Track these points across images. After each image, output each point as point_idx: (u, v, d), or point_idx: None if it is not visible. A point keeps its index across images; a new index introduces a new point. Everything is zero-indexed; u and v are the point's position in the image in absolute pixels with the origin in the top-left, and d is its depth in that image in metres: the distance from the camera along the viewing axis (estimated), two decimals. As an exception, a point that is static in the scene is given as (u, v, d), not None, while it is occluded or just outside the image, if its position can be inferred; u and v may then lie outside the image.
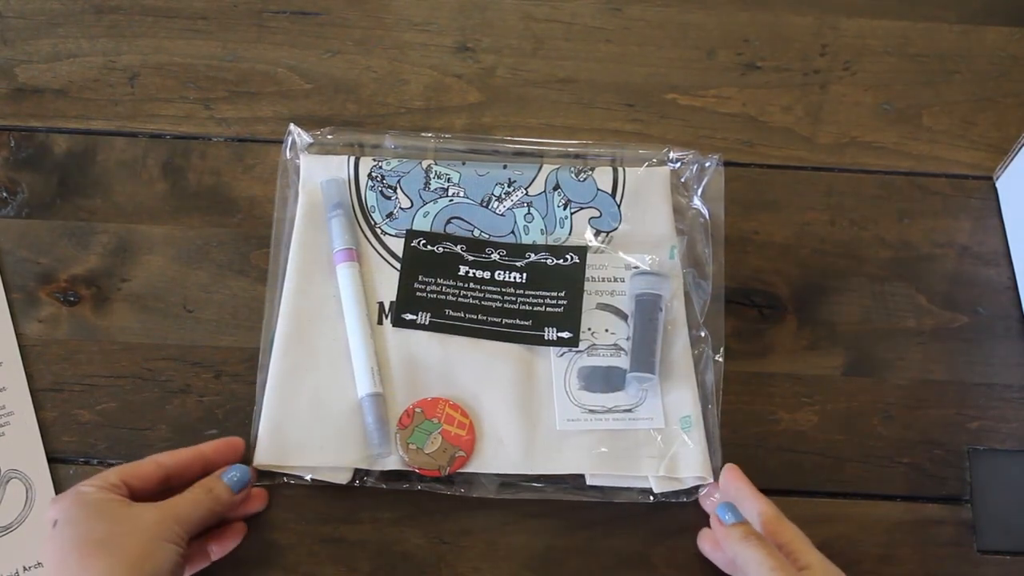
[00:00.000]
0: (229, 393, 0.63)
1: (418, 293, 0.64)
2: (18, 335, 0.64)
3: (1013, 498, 0.63)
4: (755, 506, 0.57)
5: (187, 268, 0.67)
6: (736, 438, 0.64)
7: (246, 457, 0.60)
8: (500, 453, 0.60)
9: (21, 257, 0.66)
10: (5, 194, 0.68)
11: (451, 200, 0.66)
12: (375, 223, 0.66)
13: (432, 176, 0.67)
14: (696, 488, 0.61)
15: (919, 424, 0.65)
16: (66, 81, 0.71)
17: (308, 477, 0.60)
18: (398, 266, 0.65)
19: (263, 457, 0.60)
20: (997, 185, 0.71)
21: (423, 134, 0.69)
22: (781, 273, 0.68)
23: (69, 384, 0.64)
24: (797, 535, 0.55)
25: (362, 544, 0.60)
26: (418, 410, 0.61)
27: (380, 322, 0.63)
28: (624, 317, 0.64)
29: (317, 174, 0.66)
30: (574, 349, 0.63)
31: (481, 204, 0.66)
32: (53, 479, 0.61)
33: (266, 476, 0.60)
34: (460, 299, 0.64)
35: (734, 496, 0.59)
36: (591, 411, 0.62)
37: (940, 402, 0.65)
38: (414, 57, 0.73)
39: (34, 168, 0.69)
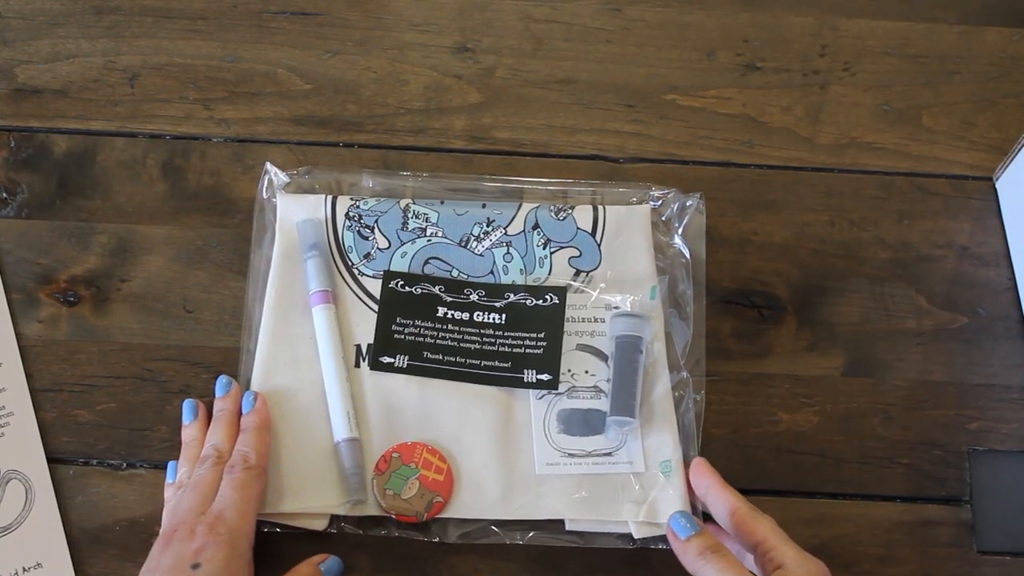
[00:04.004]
0: (229, 393, 0.63)
1: (396, 335, 0.63)
2: (18, 335, 0.64)
3: (1013, 499, 0.63)
4: (725, 502, 0.56)
5: (187, 268, 0.67)
6: (736, 439, 0.64)
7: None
8: (478, 498, 0.60)
9: (21, 257, 0.66)
10: (5, 194, 0.68)
11: (429, 240, 0.66)
12: (352, 264, 0.65)
13: (410, 216, 0.66)
14: None
15: (919, 425, 0.65)
16: (66, 81, 0.71)
17: (286, 526, 0.59)
18: (375, 307, 0.64)
19: None
20: (997, 186, 0.71)
21: (402, 172, 0.68)
22: (781, 274, 0.68)
23: (69, 384, 0.64)
24: (772, 531, 0.54)
25: (362, 544, 0.60)
26: (395, 455, 0.60)
27: (357, 365, 0.62)
28: (604, 358, 0.63)
29: (294, 214, 0.65)
30: (553, 391, 0.62)
31: (460, 244, 0.66)
32: (53, 479, 0.61)
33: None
34: (438, 341, 0.63)
35: (704, 493, 0.58)
36: (570, 455, 0.61)
37: (940, 403, 0.65)
38: (414, 57, 0.73)
39: (34, 168, 0.69)
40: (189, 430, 0.60)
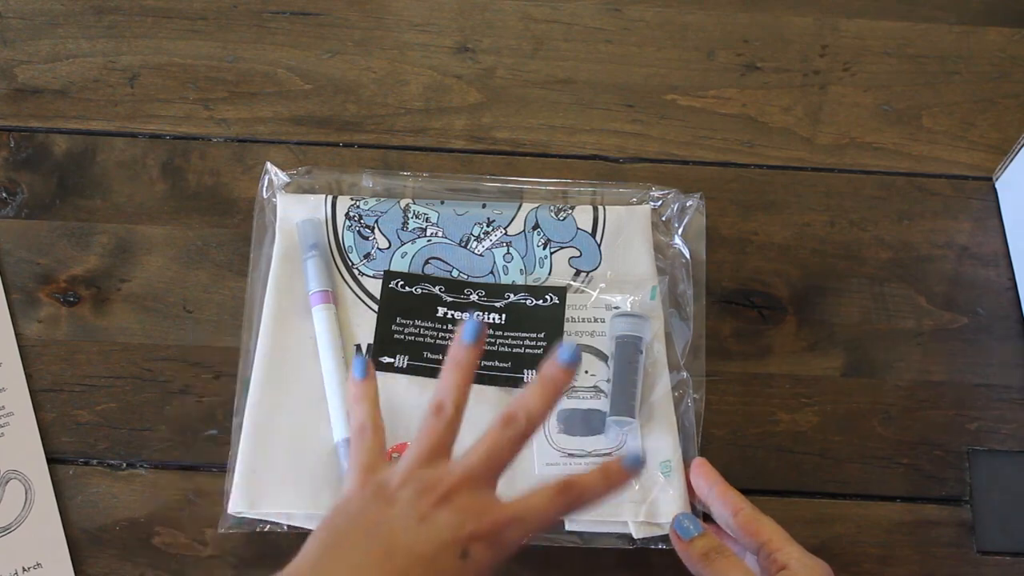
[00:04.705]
0: (229, 394, 0.63)
1: (396, 335, 0.63)
2: (18, 335, 0.64)
3: (1013, 499, 0.63)
4: (728, 503, 0.56)
5: (187, 268, 0.67)
6: (736, 439, 0.64)
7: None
8: None
9: (21, 257, 0.66)
10: (5, 194, 0.68)
11: (429, 240, 0.66)
12: (352, 264, 0.65)
13: (410, 216, 0.66)
14: None
15: (918, 425, 0.65)
16: (66, 81, 0.71)
17: (285, 525, 0.59)
18: (375, 308, 0.64)
19: (238, 504, 0.58)
20: (997, 186, 0.71)
21: (402, 172, 0.68)
22: (781, 274, 0.68)
23: (69, 384, 0.64)
24: (776, 532, 0.54)
25: (362, 545, 0.60)
26: (395, 455, 0.59)
27: None
28: (604, 359, 0.63)
29: (294, 214, 0.65)
30: None
31: (460, 244, 0.66)
32: (52, 480, 0.61)
33: (240, 524, 0.59)
34: (439, 341, 0.63)
35: (706, 494, 0.58)
36: (570, 455, 0.61)
37: (939, 403, 0.65)
38: (414, 58, 0.73)
39: (34, 168, 0.69)
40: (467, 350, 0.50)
